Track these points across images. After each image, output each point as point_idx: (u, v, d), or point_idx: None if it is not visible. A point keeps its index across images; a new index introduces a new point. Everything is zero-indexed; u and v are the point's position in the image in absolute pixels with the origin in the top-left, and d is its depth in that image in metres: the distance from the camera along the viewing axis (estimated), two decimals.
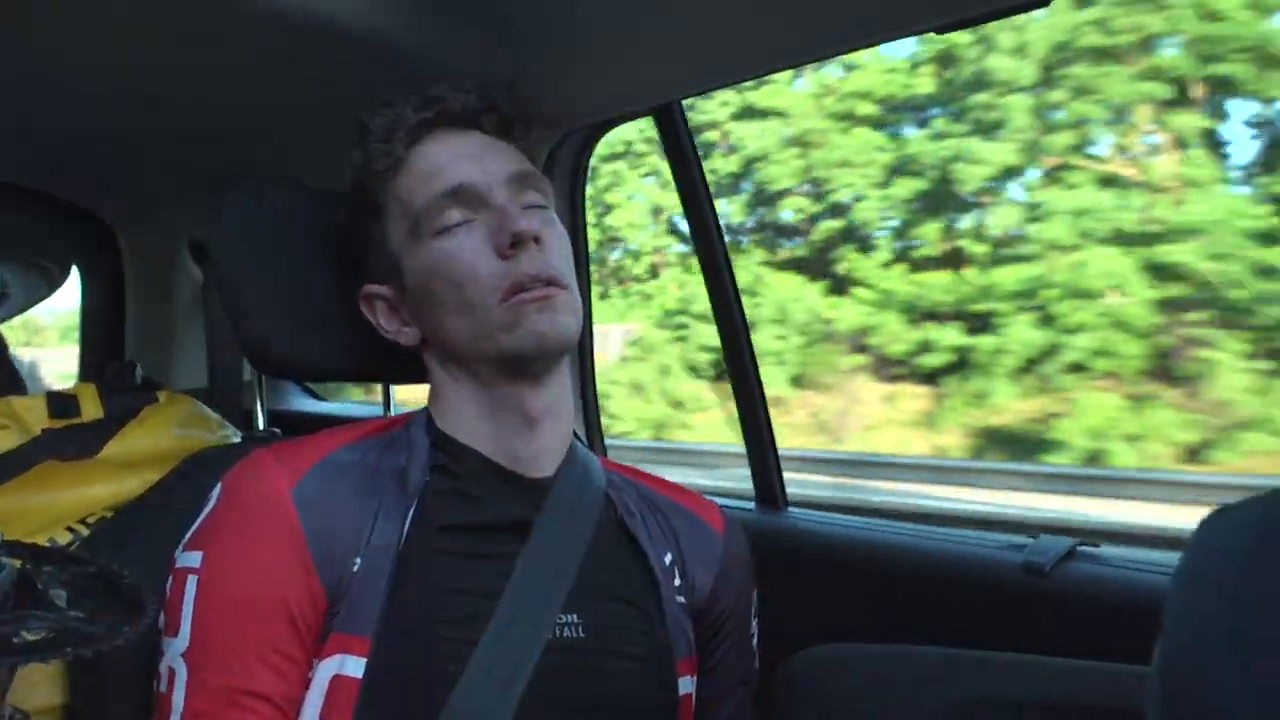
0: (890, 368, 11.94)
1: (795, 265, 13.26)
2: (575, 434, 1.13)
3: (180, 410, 1.38)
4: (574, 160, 1.56)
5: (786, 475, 1.45)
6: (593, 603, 1.01)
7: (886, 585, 1.23)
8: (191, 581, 0.93)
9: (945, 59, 12.30)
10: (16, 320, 2.53)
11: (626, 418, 12.66)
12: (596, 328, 1.71)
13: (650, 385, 12.93)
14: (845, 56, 1.32)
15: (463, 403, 1.05)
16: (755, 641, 1.18)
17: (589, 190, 1.62)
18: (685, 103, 1.42)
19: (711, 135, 14.01)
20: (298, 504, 0.95)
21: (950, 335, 11.24)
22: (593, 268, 1.72)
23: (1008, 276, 10.97)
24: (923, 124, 12.92)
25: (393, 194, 1.05)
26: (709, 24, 1.17)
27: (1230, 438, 8.98)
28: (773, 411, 1.45)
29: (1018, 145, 11.58)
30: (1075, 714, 1.02)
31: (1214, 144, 10.68)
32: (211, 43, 1.29)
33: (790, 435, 11.24)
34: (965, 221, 12.24)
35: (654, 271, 15.01)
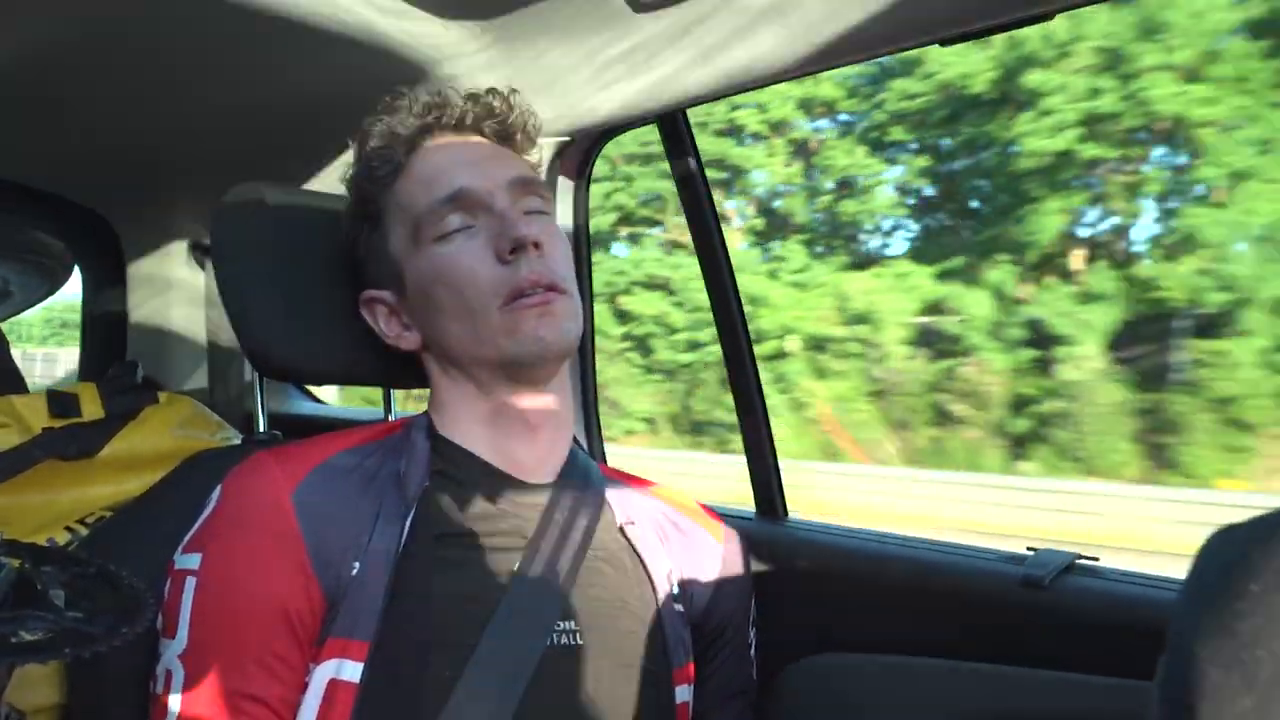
0: None
1: None
2: (575, 440, 1.13)
3: (180, 411, 1.38)
4: (579, 165, 1.56)
5: None
6: (590, 610, 1.01)
7: (886, 597, 1.23)
8: (190, 583, 0.93)
9: None
10: None
11: None
12: None
13: None
14: None
15: (463, 407, 1.05)
16: (753, 651, 1.18)
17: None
18: None
19: None
20: (297, 508, 0.95)
21: None
22: None
23: None
24: None
25: (393, 199, 1.05)
26: (715, 33, 1.18)
27: None
28: None
29: None
30: None
31: None
32: (214, 45, 1.29)
33: None
34: None
35: None
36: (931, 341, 11.84)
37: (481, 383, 1.04)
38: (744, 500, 1.48)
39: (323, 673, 0.92)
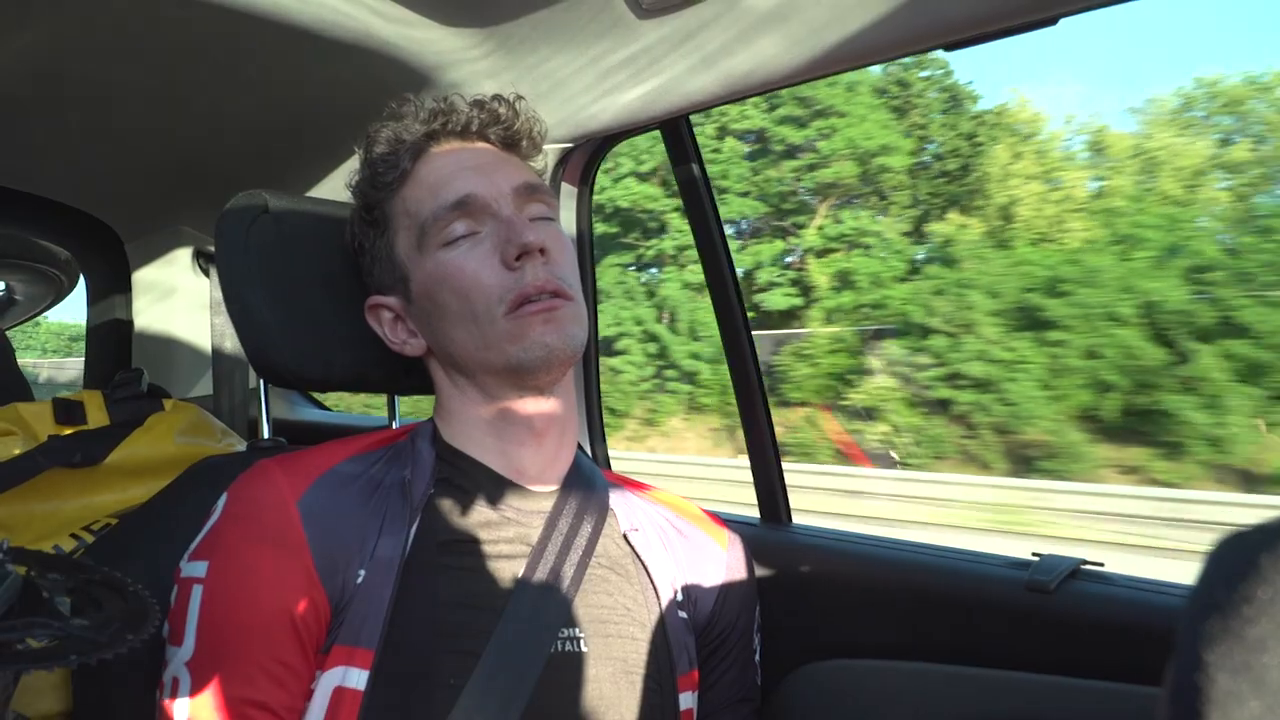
0: None
1: None
2: (580, 446, 1.13)
3: (185, 418, 1.38)
4: (582, 171, 1.56)
5: None
6: (595, 617, 1.01)
7: (890, 602, 1.23)
8: (196, 591, 0.93)
9: None
10: None
11: None
12: None
13: None
14: None
15: (468, 414, 1.05)
16: (758, 657, 1.18)
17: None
18: None
19: None
20: (303, 515, 0.95)
21: None
22: None
23: None
24: None
25: (399, 205, 1.05)
26: (717, 38, 1.18)
27: None
28: None
29: None
30: None
31: None
32: (219, 55, 1.30)
33: None
34: None
35: None
36: None
37: (487, 389, 1.04)
38: None
39: (328, 680, 0.92)
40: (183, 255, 2.14)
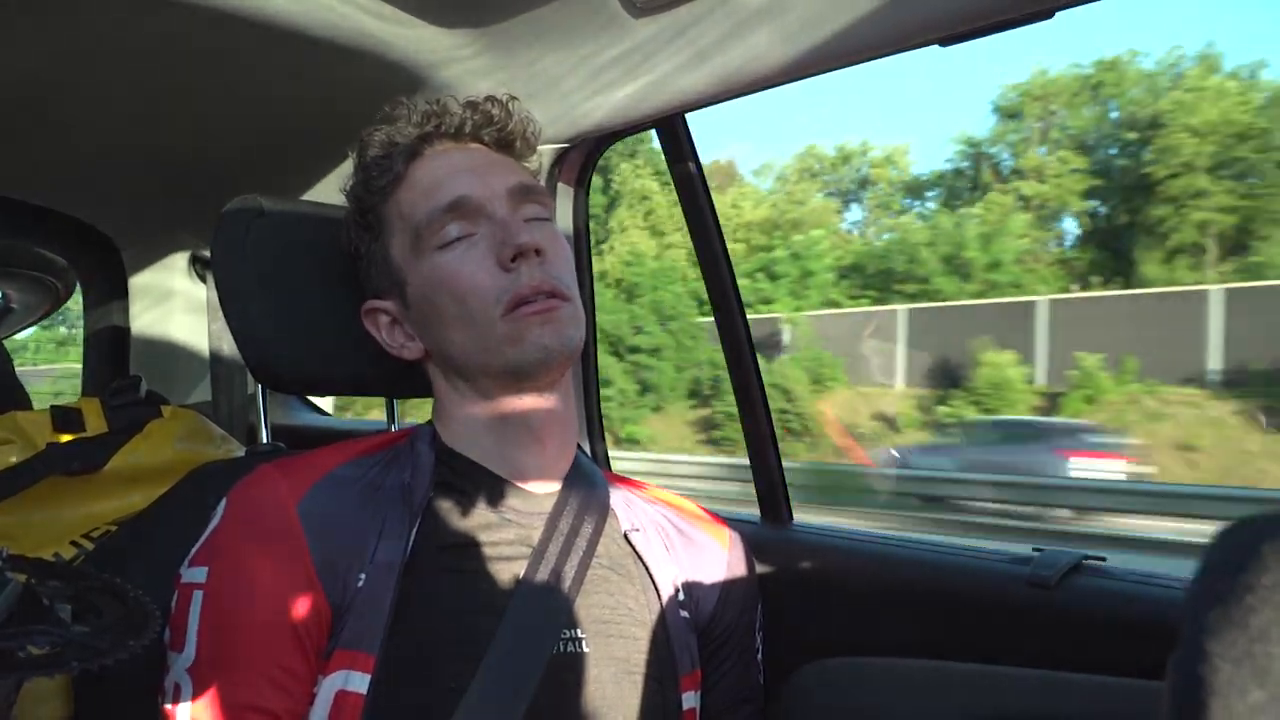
0: None
1: None
2: (580, 447, 1.13)
3: (183, 424, 1.38)
4: (578, 171, 1.56)
5: None
6: (596, 618, 1.01)
7: (892, 599, 1.23)
8: (197, 597, 0.93)
9: None
10: None
11: None
12: None
13: None
14: None
15: (467, 416, 1.05)
16: (760, 657, 1.18)
17: None
18: None
19: None
20: (303, 520, 0.95)
21: None
22: None
23: None
24: None
25: (394, 209, 1.05)
26: (711, 36, 1.18)
27: None
28: None
29: None
30: None
31: None
32: (212, 60, 1.29)
33: None
34: None
35: None
36: None
37: (485, 391, 1.04)
38: None
39: (330, 684, 0.92)
40: (179, 261, 2.14)
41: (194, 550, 0.97)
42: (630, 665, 1.01)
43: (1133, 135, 22.27)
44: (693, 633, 1.10)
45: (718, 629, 1.13)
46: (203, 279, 2.14)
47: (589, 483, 1.09)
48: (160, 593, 0.93)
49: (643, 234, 26.67)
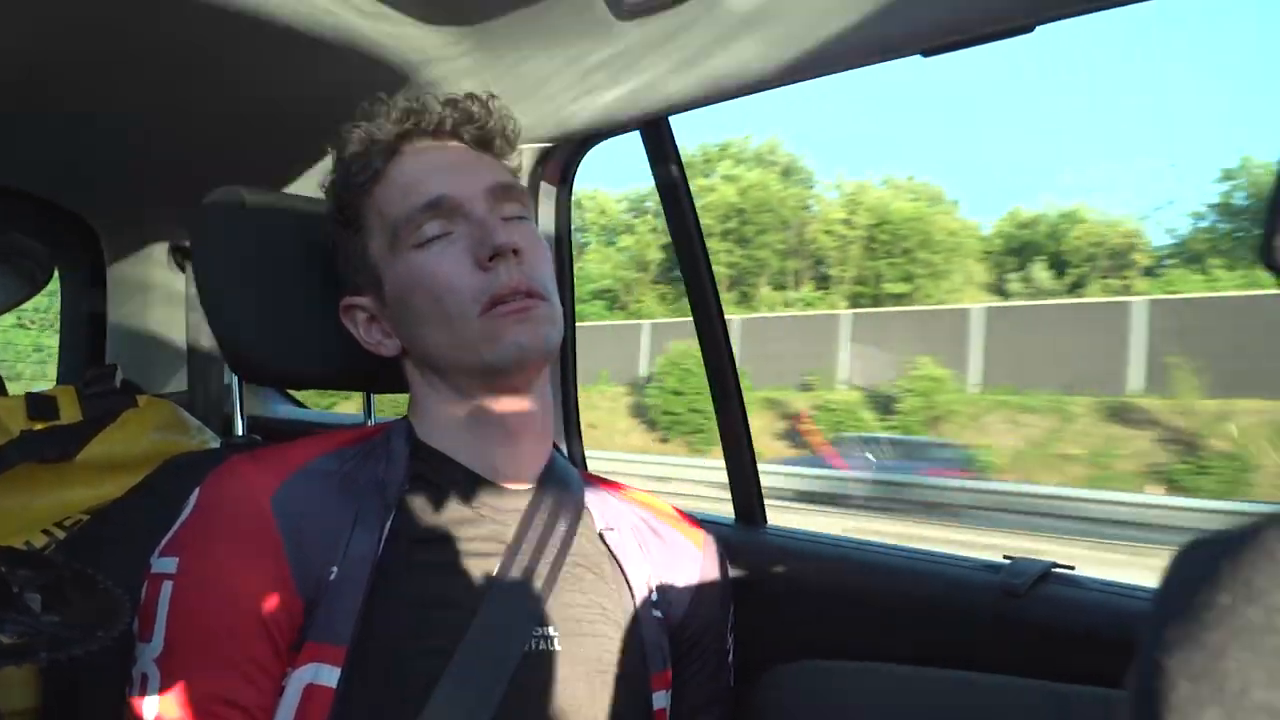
0: None
1: None
2: (556, 446, 1.13)
3: (159, 414, 1.37)
4: (561, 171, 1.56)
5: None
6: (568, 616, 1.01)
7: (863, 604, 1.23)
8: (167, 587, 0.93)
9: None
10: None
11: None
12: None
13: None
14: None
15: (443, 413, 1.05)
16: (731, 658, 1.19)
17: None
18: None
19: None
20: (276, 512, 0.95)
21: None
22: None
23: None
24: None
25: (372, 206, 1.05)
26: (696, 43, 1.18)
27: None
28: None
29: None
30: None
31: None
32: (198, 51, 1.29)
33: None
34: None
35: None
36: None
37: (461, 389, 1.04)
38: None
39: (299, 677, 0.92)
40: (159, 250, 2.13)
41: (165, 540, 0.97)
42: (602, 664, 1.02)
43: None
44: (665, 633, 1.10)
45: (689, 630, 1.13)
46: (182, 269, 2.13)
47: (564, 481, 1.09)
48: (132, 583, 0.93)
49: None
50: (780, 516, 1.41)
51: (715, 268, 1.45)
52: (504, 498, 1.04)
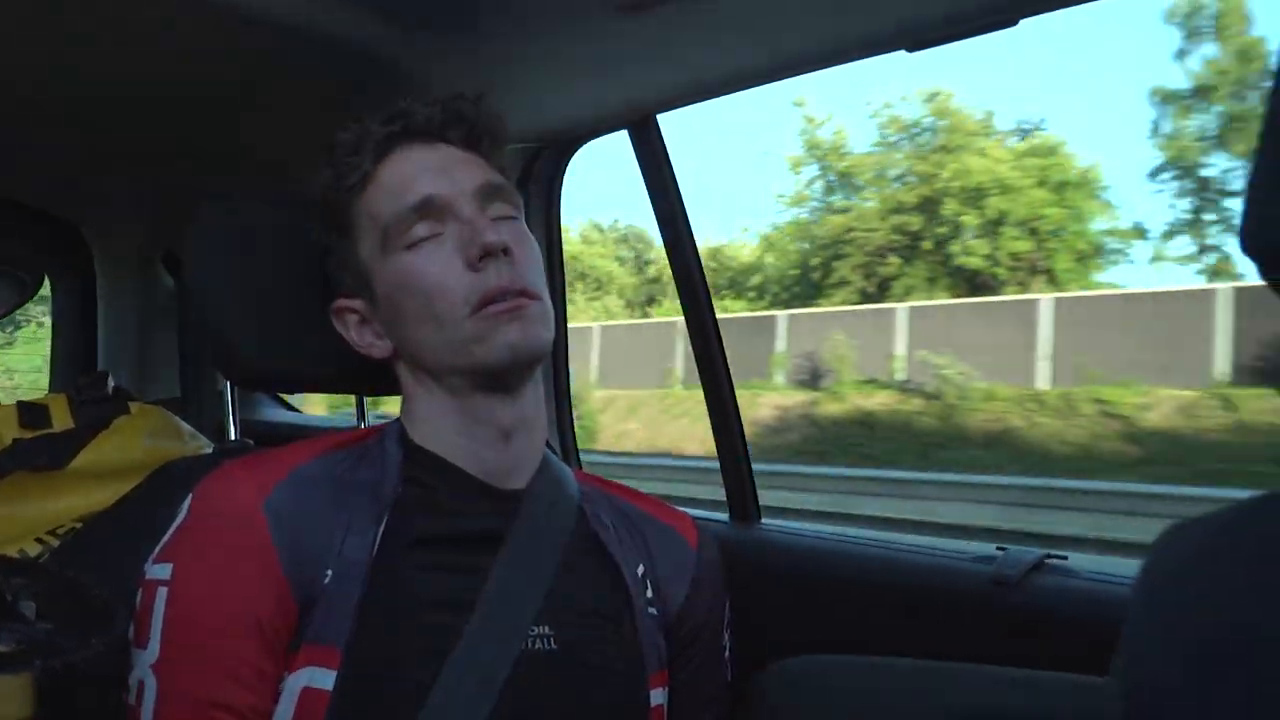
0: None
1: None
2: (549, 445, 1.13)
3: (151, 421, 1.37)
4: (551, 172, 1.56)
5: None
6: (564, 615, 1.01)
7: (858, 598, 1.24)
8: (161, 594, 0.93)
9: None
10: None
11: None
12: None
13: None
14: None
15: (435, 414, 1.05)
16: (728, 655, 1.19)
17: None
18: None
19: None
20: (269, 516, 0.95)
21: None
22: None
23: None
24: None
25: (362, 208, 1.05)
26: (684, 41, 1.18)
27: None
28: None
29: None
30: None
31: None
32: (186, 56, 1.29)
33: None
34: None
35: None
36: None
37: (454, 390, 1.04)
38: None
39: (296, 681, 0.92)
40: (150, 257, 2.13)
41: (159, 547, 0.96)
42: (598, 662, 1.02)
43: None
44: (661, 631, 1.10)
45: (685, 627, 1.13)
46: (173, 275, 2.13)
47: (558, 481, 1.09)
48: (126, 590, 0.93)
49: None
50: None
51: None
52: (498, 498, 1.03)
